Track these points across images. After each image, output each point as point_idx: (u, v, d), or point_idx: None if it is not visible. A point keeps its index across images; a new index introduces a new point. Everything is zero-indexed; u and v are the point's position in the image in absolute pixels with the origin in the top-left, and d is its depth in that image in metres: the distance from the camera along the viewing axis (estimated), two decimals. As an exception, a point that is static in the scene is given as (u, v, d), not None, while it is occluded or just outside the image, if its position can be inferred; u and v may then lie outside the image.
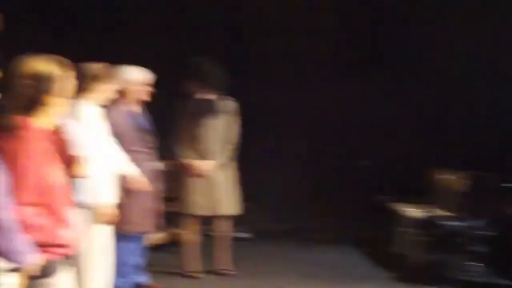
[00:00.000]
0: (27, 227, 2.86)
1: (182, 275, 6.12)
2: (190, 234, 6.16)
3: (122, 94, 5.17)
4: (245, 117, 6.18)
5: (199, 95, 5.99)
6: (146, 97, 5.37)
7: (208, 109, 5.96)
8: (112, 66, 4.84)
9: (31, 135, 3.04)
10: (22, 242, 2.78)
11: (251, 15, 8.41)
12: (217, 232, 6.26)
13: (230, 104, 6.08)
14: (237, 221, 6.42)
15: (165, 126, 5.87)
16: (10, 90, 3.10)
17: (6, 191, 2.72)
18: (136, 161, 4.98)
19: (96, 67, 4.66)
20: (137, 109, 5.40)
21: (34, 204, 2.99)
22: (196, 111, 5.95)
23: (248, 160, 6.50)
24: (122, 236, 4.90)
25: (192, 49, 6.93)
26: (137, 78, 5.31)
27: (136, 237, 5.33)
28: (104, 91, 4.67)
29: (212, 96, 6.01)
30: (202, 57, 6.05)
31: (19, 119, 3.04)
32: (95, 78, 4.60)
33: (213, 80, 5.92)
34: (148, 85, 5.37)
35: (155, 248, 6.52)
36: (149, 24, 8.00)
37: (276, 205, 7.86)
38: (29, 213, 2.94)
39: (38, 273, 2.99)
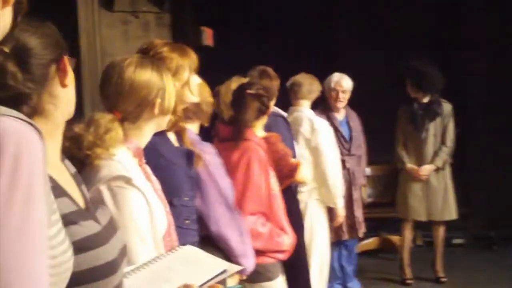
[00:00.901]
0: (250, 234, 3.00)
1: (396, 281, 6.07)
2: (404, 240, 6.09)
3: (324, 100, 5.27)
4: (460, 119, 5.99)
5: (416, 98, 5.91)
6: (343, 103, 5.39)
7: (426, 112, 5.85)
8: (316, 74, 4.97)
9: (253, 145, 3.20)
10: (249, 247, 2.90)
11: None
12: (434, 237, 6.13)
13: (446, 107, 5.93)
14: (452, 226, 6.24)
15: (382, 131, 5.87)
16: (237, 103, 3.29)
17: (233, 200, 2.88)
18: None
19: (302, 75, 4.81)
20: (339, 115, 5.44)
21: (256, 213, 3.13)
22: (414, 114, 5.87)
23: (465, 163, 6.29)
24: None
25: (406, 52, 6.82)
26: (339, 84, 5.34)
27: (342, 243, 5.39)
28: (310, 98, 4.81)
29: (429, 99, 5.89)
30: (419, 60, 5.95)
31: (245, 130, 3.21)
32: (302, 86, 4.74)
33: (430, 82, 5.78)
34: (348, 90, 5.38)
35: (368, 254, 6.52)
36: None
37: (491, 210, 7.49)
38: (252, 221, 3.09)
39: (258, 277, 3.14)
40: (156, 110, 2.04)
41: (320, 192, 4.67)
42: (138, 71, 2.04)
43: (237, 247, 2.70)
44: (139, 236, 1.89)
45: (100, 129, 1.95)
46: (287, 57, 6.85)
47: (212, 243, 2.65)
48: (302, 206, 4.34)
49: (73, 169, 1.66)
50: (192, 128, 2.83)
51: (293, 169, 3.48)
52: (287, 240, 3.25)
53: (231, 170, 3.05)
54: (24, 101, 1.39)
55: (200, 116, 2.90)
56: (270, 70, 4.18)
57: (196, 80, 2.49)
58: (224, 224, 2.69)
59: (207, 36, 6.56)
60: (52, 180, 1.45)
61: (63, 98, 1.55)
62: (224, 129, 3.30)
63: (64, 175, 1.58)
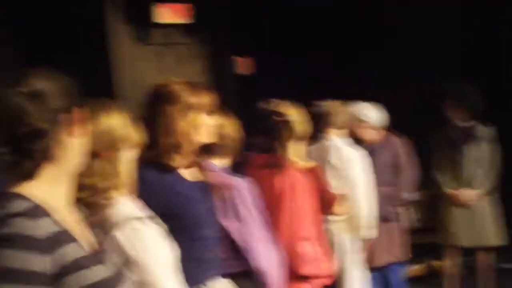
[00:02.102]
0: (299, 260, 2.95)
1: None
2: (450, 266, 5.92)
3: (352, 132, 5.09)
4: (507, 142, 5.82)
5: (457, 121, 5.75)
6: (376, 137, 5.18)
7: (468, 135, 5.69)
8: (347, 102, 4.85)
9: (294, 173, 3.14)
10: (285, 281, 2.85)
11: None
12: (479, 264, 5.94)
13: (488, 130, 5.76)
14: (501, 251, 6.03)
15: (423, 154, 5.72)
16: (270, 130, 3.23)
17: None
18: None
19: (334, 105, 4.69)
20: (369, 145, 5.18)
21: (302, 239, 3.06)
22: (455, 137, 5.71)
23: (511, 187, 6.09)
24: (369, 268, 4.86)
25: (442, 72, 6.71)
26: (370, 117, 5.13)
27: (385, 269, 5.24)
28: (340, 126, 4.68)
29: (471, 122, 5.73)
30: (458, 81, 5.81)
31: (284, 158, 3.16)
32: (331, 116, 4.63)
33: (471, 104, 5.63)
34: (382, 126, 5.18)
35: (415, 280, 6.35)
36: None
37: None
38: (299, 247, 3.02)
39: None
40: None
41: (349, 222, 4.52)
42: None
43: (274, 282, 2.68)
44: (163, 271, 1.90)
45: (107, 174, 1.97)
46: (318, 83, 6.76)
47: (251, 277, 2.63)
48: (330, 235, 4.24)
49: (82, 213, 1.72)
50: (221, 162, 2.81)
51: (333, 201, 3.42)
52: (331, 265, 3.21)
53: (274, 198, 3.01)
54: (38, 137, 1.50)
55: (225, 151, 2.87)
56: (277, 101, 4.03)
57: (207, 121, 2.45)
58: (264, 259, 2.66)
59: (240, 65, 6.55)
60: (59, 225, 1.51)
61: (71, 148, 1.61)
62: (259, 157, 3.24)
63: (72, 219, 1.62)
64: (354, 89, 6.36)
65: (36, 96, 1.54)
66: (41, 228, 1.46)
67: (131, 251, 1.85)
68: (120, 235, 1.88)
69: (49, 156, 1.57)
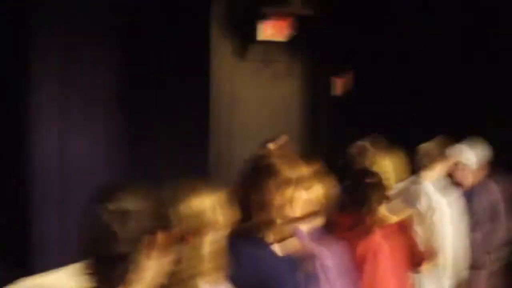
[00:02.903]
0: None
1: None
2: None
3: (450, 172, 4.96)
4: None
5: None
6: (475, 180, 4.98)
7: None
8: (448, 143, 4.73)
9: (378, 239, 3.10)
10: None
11: None
12: None
13: None
14: None
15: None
16: (355, 192, 3.18)
17: None
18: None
19: (431, 146, 4.59)
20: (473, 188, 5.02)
21: None
22: None
23: None
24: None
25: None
26: (471, 161, 4.97)
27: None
28: (438, 170, 4.57)
29: None
30: None
31: (369, 222, 3.11)
32: (431, 157, 4.53)
33: None
34: (483, 166, 4.99)
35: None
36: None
37: None
38: None
39: None
40: None
41: (435, 272, 4.43)
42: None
43: None
44: None
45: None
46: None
47: None
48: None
49: None
50: (309, 225, 2.80)
51: (423, 259, 3.37)
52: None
53: (357, 261, 2.99)
54: (119, 262, 1.48)
55: (316, 215, 2.86)
56: (369, 146, 3.95)
57: (304, 196, 2.47)
58: None
59: (338, 86, 6.51)
60: None
61: (147, 271, 1.55)
62: (346, 219, 3.20)
63: None
64: (460, 115, 6.14)
65: (123, 216, 1.51)
66: None
67: None
68: None
69: (124, 281, 1.53)
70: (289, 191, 2.38)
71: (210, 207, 1.97)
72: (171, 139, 5.82)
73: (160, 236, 1.57)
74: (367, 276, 2.99)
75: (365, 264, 3.02)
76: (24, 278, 3.79)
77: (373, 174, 3.25)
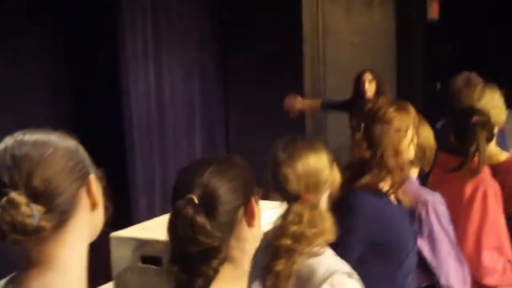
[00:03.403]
0: (483, 271, 2.87)
1: None
2: None
3: None
4: None
5: None
6: None
7: None
8: None
9: (487, 178, 2.99)
10: None
11: None
12: None
13: None
14: None
15: None
16: (461, 132, 3.06)
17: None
18: None
19: None
20: None
21: (491, 248, 2.96)
22: None
23: None
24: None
25: None
26: None
27: None
28: None
29: None
30: None
31: (478, 162, 3.00)
32: None
33: None
34: None
35: None
36: None
37: None
38: (489, 257, 2.93)
39: None
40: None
41: None
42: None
43: None
44: None
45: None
46: None
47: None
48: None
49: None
50: (414, 173, 2.74)
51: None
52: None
53: (464, 203, 2.90)
54: (214, 255, 1.37)
55: (423, 161, 2.78)
56: (476, 79, 3.74)
57: (414, 138, 2.41)
58: (453, 276, 2.62)
59: (433, 10, 6.25)
60: None
61: (250, 240, 1.48)
62: (450, 159, 3.09)
63: None
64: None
65: (210, 204, 1.39)
66: None
67: None
68: None
69: (228, 259, 1.43)
70: (403, 138, 2.34)
71: (328, 165, 1.92)
72: (266, 72, 5.80)
73: (252, 203, 1.47)
74: (477, 216, 2.90)
75: (474, 205, 2.92)
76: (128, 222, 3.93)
77: (481, 112, 3.10)
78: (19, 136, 1.22)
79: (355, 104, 4.81)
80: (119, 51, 5.10)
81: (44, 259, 1.19)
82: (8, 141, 1.21)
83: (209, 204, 1.39)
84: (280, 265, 1.80)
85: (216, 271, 1.39)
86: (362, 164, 2.31)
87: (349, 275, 1.82)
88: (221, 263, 1.39)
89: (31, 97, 4.63)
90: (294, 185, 1.86)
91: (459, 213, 2.87)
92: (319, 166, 1.90)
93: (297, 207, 1.84)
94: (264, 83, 5.81)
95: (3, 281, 1.24)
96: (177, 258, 1.41)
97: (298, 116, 5.38)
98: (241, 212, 1.44)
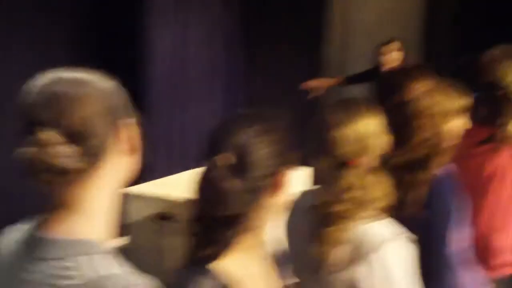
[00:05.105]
0: (491, 251, 2.84)
1: None
2: None
3: None
4: None
5: None
6: None
7: None
8: None
9: (508, 155, 2.94)
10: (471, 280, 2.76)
11: None
12: None
13: None
14: None
15: None
16: (490, 102, 3.03)
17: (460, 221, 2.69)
18: None
19: None
20: None
21: (502, 229, 2.93)
22: None
23: None
24: None
25: None
26: None
27: None
28: None
29: None
30: None
31: (504, 135, 2.95)
32: None
33: None
34: None
35: None
36: None
37: None
38: (496, 238, 2.90)
39: None
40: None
41: None
42: None
43: None
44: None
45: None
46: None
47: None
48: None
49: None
50: None
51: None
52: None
53: (483, 181, 2.86)
54: (239, 221, 1.34)
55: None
56: (502, 56, 3.65)
57: (458, 124, 2.40)
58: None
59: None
60: None
61: (271, 210, 1.42)
62: (479, 130, 3.04)
63: (269, 276, 1.51)
64: None
65: (244, 167, 1.33)
66: None
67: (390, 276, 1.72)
68: (378, 258, 1.71)
69: (249, 229, 1.39)
70: (449, 121, 2.32)
71: (378, 130, 1.85)
72: (291, 36, 5.73)
73: (283, 173, 1.41)
74: (492, 197, 2.85)
75: (491, 184, 2.87)
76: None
77: (507, 86, 3.04)
78: (57, 73, 1.16)
79: (379, 74, 4.74)
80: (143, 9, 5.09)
81: (71, 202, 1.16)
82: (45, 77, 1.15)
83: (243, 167, 1.34)
84: (332, 232, 1.74)
85: (236, 239, 1.36)
86: None
87: (402, 241, 1.75)
88: (244, 231, 1.36)
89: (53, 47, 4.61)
90: (343, 149, 1.79)
91: (477, 190, 2.84)
92: (370, 130, 1.83)
93: (347, 173, 1.78)
94: (288, 49, 5.73)
95: (27, 224, 1.22)
96: (201, 219, 1.37)
97: (321, 93, 5.31)
98: (272, 180, 1.39)
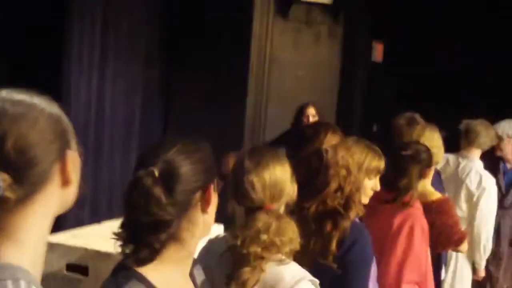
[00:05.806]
0: None
1: None
2: None
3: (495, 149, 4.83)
4: None
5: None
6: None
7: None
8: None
9: (416, 212, 3.06)
10: None
11: None
12: None
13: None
14: None
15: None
16: (394, 165, 3.15)
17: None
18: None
19: (480, 122, 4.50)
20: (508, 163, 4.95)
21: (412, 282, 3.02)
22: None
23: None
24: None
25: None
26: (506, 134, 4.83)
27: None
28: (483, 148, 4.50)
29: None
30: None
31: (408, 196, 3.07)
32: (479, 135, 4.44)
33: None
34: None
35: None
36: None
37: None
38: None
39: None
40: None
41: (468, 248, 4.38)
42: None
43: None
44: None
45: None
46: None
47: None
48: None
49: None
50: None
51: (461, 238, 3.33)
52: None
53: (390, 235, 2.96)
54: (163, 228, 1.39)
55: None
56: (419, 119, 3.88)
57: (374, 185, 2.60)
58: None
59: (378, 52, 6.42)
60: None
61: (201, 225, 1.49)
62: (382, 193, 3.16)
63: None
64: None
65: (169, 180, 1.40)
66: None
67: None
68: None
69: (176, 239, 1.45)
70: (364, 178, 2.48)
71: (290, 176, 1.94)
72: (209, 96, 5.81)
73: (209, 189, 1.49)
74: (401, 249, 2.95)
75: (399, 237, 2.98)
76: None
77: (416, 147, 3.19)
78: (1, 93, 1.12)
79: (294, 135, 4.86)
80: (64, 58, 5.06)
81: (3, 228, 1.11)
82: None
83: (168, 180, 1.40)
84: (247, 273, 1.80)
85: (162, 245, 1.41)
86: None
87: (314, 283, 1.83)
88: (169, 238, 1.41)
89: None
90: (259, 194, 1.87)
91: (385, 245, 2.93)
92: (284, 177, 1.92)
93: (263, 216, 1.85)
94: (206, 107, 5.80)
95: None
96: (127, 225, 1.42)
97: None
98: (198, 195, 1.47)
